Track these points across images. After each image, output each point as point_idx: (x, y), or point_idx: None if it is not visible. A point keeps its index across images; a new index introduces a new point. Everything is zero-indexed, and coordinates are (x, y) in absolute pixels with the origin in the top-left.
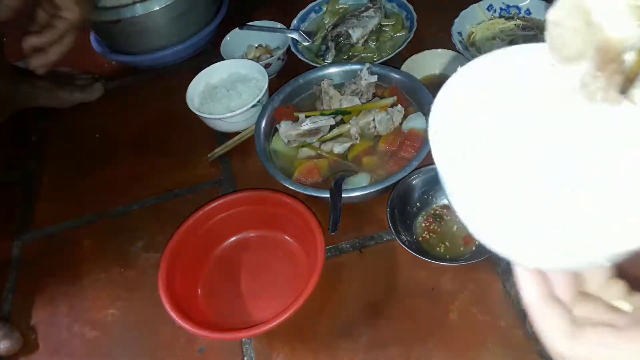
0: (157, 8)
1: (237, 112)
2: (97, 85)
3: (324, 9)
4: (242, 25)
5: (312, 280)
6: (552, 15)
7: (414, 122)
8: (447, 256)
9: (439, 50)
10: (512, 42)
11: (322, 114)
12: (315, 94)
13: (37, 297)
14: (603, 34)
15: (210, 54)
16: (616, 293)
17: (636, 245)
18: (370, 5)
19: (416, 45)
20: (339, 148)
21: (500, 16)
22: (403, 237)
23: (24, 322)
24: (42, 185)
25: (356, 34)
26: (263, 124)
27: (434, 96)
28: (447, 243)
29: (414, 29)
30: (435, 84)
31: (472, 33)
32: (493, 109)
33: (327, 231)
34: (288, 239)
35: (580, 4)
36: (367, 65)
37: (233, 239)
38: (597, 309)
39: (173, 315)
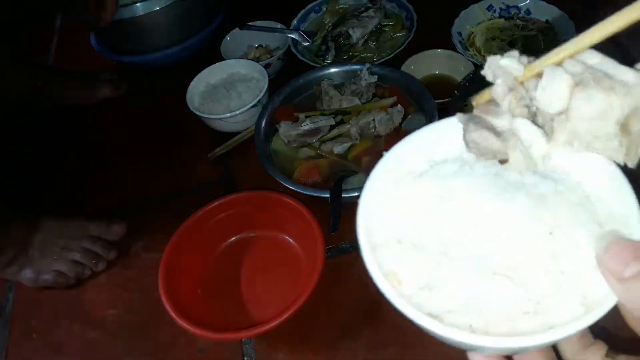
0: (158, 8)
1: (237, 112)
2: (121, 82)
3: (324, 9)
4: (242, 25)
5: (312, 280)
6: (468, 137)
7: (414, 122)
8: None
9: (439, 50)
10: (512, 42)
11: (322, 114)
12: (315, 94)
13: (37, 297)
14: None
15: (210, 54)
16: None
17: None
18: (370, 5)
19: (416, 45)
20: (339, 148)
21: (500, 16)
22: None
23: (25, 321)
24: (42, 185)
25: (356, 34)
26: (263, 124)
27: (434, 96)
28: None
29: (414, 29)
30: (435, 84)
31: (472, 33)
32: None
33: (327, 231)
34: (288, 239)
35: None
36: (367, 65)
37: (233, 239)
38: None
39: (173, 315)
